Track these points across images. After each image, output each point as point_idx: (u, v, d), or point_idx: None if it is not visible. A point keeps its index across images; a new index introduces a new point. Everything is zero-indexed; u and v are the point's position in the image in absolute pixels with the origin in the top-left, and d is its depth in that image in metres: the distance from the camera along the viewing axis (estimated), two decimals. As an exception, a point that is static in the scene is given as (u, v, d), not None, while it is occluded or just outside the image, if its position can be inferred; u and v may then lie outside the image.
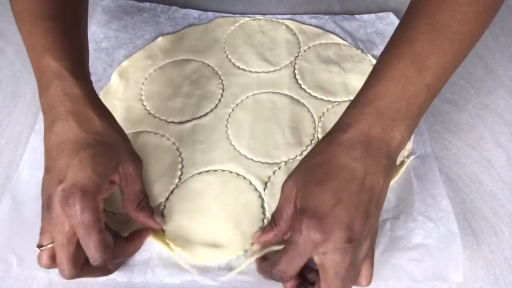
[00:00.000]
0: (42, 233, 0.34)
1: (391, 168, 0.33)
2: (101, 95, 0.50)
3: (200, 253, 0.38)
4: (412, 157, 0.44)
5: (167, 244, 0.39)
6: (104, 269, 0.36)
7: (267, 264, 0.35)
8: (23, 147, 0.45)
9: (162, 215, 0.41)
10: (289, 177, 0.35)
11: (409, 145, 0.45)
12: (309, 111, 0.49)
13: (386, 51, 0.36)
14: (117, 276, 0.37)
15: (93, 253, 0.32)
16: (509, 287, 0.38)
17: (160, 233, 0.39)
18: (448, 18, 0.33)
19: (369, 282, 0.33)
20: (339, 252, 0.30)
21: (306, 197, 0.32)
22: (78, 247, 0.33)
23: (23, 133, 0.48)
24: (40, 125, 0.46)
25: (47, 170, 0.34)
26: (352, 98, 0.49)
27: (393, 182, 0.43)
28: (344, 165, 0.32)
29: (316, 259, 0.31)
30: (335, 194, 0.31)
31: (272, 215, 0.36)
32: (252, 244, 0.39)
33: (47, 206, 0.33)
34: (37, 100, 0.47)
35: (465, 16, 0.33)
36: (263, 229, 0.37)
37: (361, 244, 0.31)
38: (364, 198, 0.31)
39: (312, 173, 0.33)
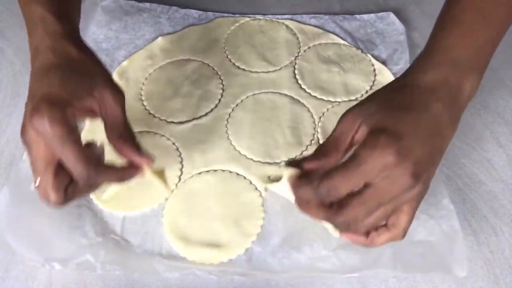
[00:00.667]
0: (32, 172, 0.33)
1: (459, 120, 0.33)
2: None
3: (200, 254, 0.38)
4: None
5: (165, 182, 0.37)
6: (89, 186, 0.33)
7: (308, 179, 0.30)
8: (23, 147, 0.45)
9: (162, 215, 0.41)
10: (351, 109, 0.32)
11: None
12: (309, 111, 0.49)
13: (450, 4, 0.36)
14: (115, 270, 0.37)
15: (74, 165, 0.30)
16: (509, 287, 0.38)
17: (159, 170, 0.37)
18: None
19: (404, 233, 0.32)
20: (399, 183, 0.28)
21: (384, 119, 0.30)
22: (58, 172, 0.32)
23: None
24: None
25: (25, 107, 0.33)
26: (352, 98, 0.50)
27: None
28: (425, 104, 0.31)
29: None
30: (414, 126, 0.30)
31: (320, 146, 0.32)
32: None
33: (22, 137, 0.32)
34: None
35: None
36: (305, 157, 0.32)
37: (417, 185, 0.29)
38: (436, 144, 0.31)
39: (391, 101, 0.31)
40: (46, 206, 0.34)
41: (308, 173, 0.31)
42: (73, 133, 0.31)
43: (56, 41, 0.35)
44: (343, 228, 0.31)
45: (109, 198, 0.41)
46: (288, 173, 0.32)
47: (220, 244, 0.39)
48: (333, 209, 0.30)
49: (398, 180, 0.28)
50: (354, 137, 0.31)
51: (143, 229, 0.40)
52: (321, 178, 0.29)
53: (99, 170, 0.32)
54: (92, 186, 0.33)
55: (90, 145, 0.33)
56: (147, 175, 0.35)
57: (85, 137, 0.45)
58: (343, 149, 0.31)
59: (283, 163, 0.45)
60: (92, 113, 0.35)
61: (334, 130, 0.32)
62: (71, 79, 0.33)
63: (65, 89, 0.32)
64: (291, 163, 0.32)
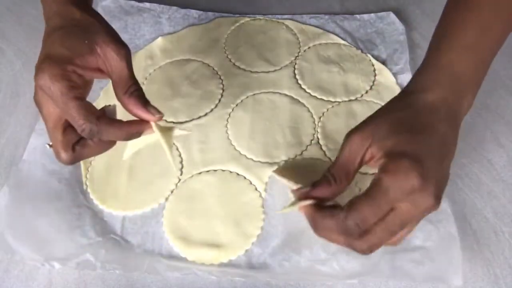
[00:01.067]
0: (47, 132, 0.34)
1: (457, 137, 0.33)
2: (101, 95, 0.50)
3: (200, 254, 0.38)
4: None
5: (169, 143, 0.36)
6: (99, 145, 0.34)
7: (331, 212, 0.30)
8: (23, 147, 0.45)
9: (162, 215, 0.41)
10: (357, 130, 0.32)
11: None
12: (309, 111, 0.49)
13: (450, 18, 0.36)
14: (115, 269, 0.37)
15: (76, 119, 0.31)
16: (509, 287, 0.38)
17: (166, 129, 0.36)
18: None
19: (401, 241, 0.32)
20: (422, 205, 0.29)
21: (400, 143, 0.30)
22: (66, 130, 0.33)
23: (23, 133, 0.48)
24: (40, 125, 0.46)
25: None
26: (352, 98, 0.50)
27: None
28: (432, 125, 0.31)
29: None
30: (429, 148, 0.30)
31: (329, 170, 0.32)
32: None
33: (34, 99, 0.33)
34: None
35: None
36: (314, 184, 0.32)
37: (437, 205, 0.29)
38: (447, 163, 0.31)
39: (400, 123, 0.31)
40: (47, 206, 0.34)
41: (321, 199, 0.31)
42: (73, 89, 0.32)
43: (61, 6, 0.36)
44: (364, 252, 0.30)
45: (128, 157, 0.39)
46: (299, 204, 0.31)
47: (220, 244, 0.39)
48: (355, 235, 0.29)
49: (422, 202, 0.29)
50: (363, 159, 0.31)
51: (143, 229, 0.40)
52: (348, 211, 0.29)
53: (102, 124, 0.32)
54: (103, 143, 0.34)
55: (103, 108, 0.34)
56: (155, 132, 0.35)
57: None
58: (353, 172, 0.31)
59: (282, 162, 0.44)
60: (99, 72, 0.35)
61: (341, 152, 0.32)
62: (72, 38, 0.34)
63: (65, 47, 0.33)
64: (300, 194, 0.32)
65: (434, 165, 0.29)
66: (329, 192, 0.31)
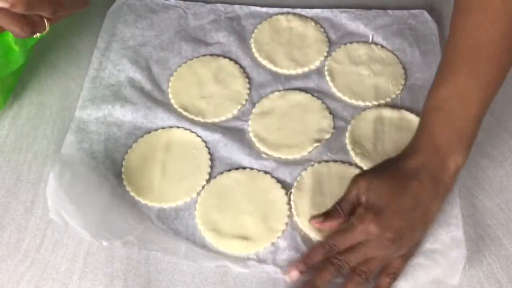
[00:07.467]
0: None
1: (445, 193, 0.52)
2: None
3: (230, 244, 0.55)
4: None
5: None
6: None
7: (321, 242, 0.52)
8: (50, 163, 0.59)
9: (195, 209, 0.57)
10: (363, 175, 0.53)
11: None
12: (338, 114, 0.64)
13: (433, 91, 0.53)
14: (156, 251, 0.53)
15: None
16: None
17: None
18: (484, 58, 0.50)
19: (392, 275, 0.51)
20: (380, 245, 0.49)
21: (375, 197, 0.50)
22: None
23: (50, 148, 0.60)
24: (75, 123, 0.62)
25: None
26: (382, 102, 0.65)
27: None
28: (406, 186, 0.50)
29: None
30: (396, 204, 0.50)
31: (339, 204, 0.52)
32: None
33: None
34: (64, 113, 0.63)
35: (498, 50, 0.50)
36: (326, 215, 0.53)
37: (394, 246, 0.49)
38: (416, 215, 0.50)
39: (383, 182, 0.51)
40: (87, 196, 0.52)
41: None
42: None
43: None
44: (338, 268, 0.50)
45: None
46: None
47: (248, 237, 0.55)
48: (333, 253, 0.50)
49: (379, 243, 0.49)
50: (362, 198, 0.51)
51: (177, 221, 0.57)
52: (327, 238, 0.51)
53: None
54: None
55: None
56: None
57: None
58: (354, 207, 0.51)
59: (309, 164, 0.60)
60: None
61: (349, 190, 0.52)
62: None
63: None
64: (316, 223, 0.53)
65: (396, 217, 0.49)
66: (338, 224, 0.52)
